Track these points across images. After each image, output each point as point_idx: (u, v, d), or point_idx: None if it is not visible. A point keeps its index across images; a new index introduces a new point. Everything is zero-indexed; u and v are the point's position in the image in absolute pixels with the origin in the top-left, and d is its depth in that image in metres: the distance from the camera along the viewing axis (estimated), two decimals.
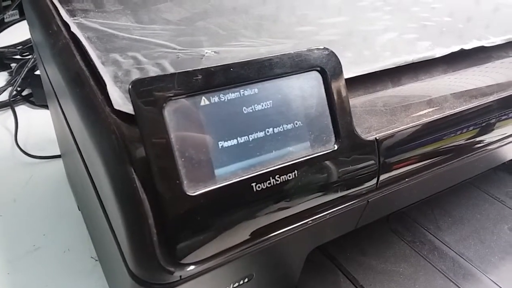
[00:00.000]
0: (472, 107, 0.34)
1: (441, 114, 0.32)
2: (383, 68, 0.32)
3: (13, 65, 0.86)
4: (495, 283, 0.40)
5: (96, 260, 0.49)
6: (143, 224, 0.22)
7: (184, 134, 0.22)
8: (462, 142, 0.34)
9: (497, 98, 0.35)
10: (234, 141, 0.23)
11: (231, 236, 0.24)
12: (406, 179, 0.32)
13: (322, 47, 0.26)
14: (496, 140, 0.37)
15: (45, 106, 0.76)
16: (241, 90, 0.24)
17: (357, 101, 0.31)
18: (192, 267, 0.24)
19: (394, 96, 0.33)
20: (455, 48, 0.36)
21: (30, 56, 0.86)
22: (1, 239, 0.52)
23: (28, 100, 0.79)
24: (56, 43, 0.31)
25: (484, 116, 0.35)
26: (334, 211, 0.29)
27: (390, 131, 0.29)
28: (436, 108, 0.32)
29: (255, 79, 0.24)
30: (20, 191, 0.60)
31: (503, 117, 0.36)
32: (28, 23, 0.45)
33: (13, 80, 0.80)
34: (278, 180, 0.24)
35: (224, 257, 0.25)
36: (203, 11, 0.39)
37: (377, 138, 0.29)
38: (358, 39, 0.37)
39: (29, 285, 0.47)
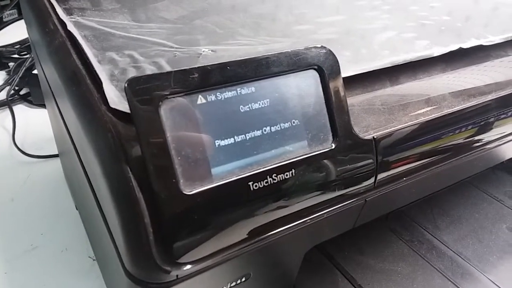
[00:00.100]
0: (471, 106, 0.33)
1: (439, 113, 0.32)
2: (381, 67, 0.32)
3: (11, 64, 0.86)
4: (493, 282, 0.40)
5: (93, 260, 0.49)
6: (139, 223, 0.22)
7: (180, 132, 0.22)
8: (461, 141, 0.34)
9: (495, 97, 0.35)
10: (231, 140, 0.23)
11: (228, 235, 0.24)
12: (404, 178, 0.32)
13: (319, 46, 0.26)
14: (495, 139, 0.37)
15: (43, 105, 0.76)
16: (238, 89, 0.24)
17: (355, 100, 0.31)
18: (188, 266, 0.23)
19: (392, 95, 0.33)
20: (454, 47, 0.36)
21: (28, 55, 0.85)
22: None
23: (26, 99, 0.79)
24: (53, 42, 0.31)
25: (482, 115, 0.35)
26: (331, 210, 0.29)
27: (388, 130, 0.29)
28: (434, 107, 0.32)
29: (252, 78, 0.24)
30: (17, 190, 0.60)
31: (502, 116, 0.36)
32: (26, 22, 0.45)
33: (11, 79, 0.80)
34: (275, 179, 0.24)
35: (221, 256, 0.25)
36: (200, 10, 0.39)
37: (375, 137, 0.28)
38: (356, 37, 0.36)
39: (26, 284, 0.47)
